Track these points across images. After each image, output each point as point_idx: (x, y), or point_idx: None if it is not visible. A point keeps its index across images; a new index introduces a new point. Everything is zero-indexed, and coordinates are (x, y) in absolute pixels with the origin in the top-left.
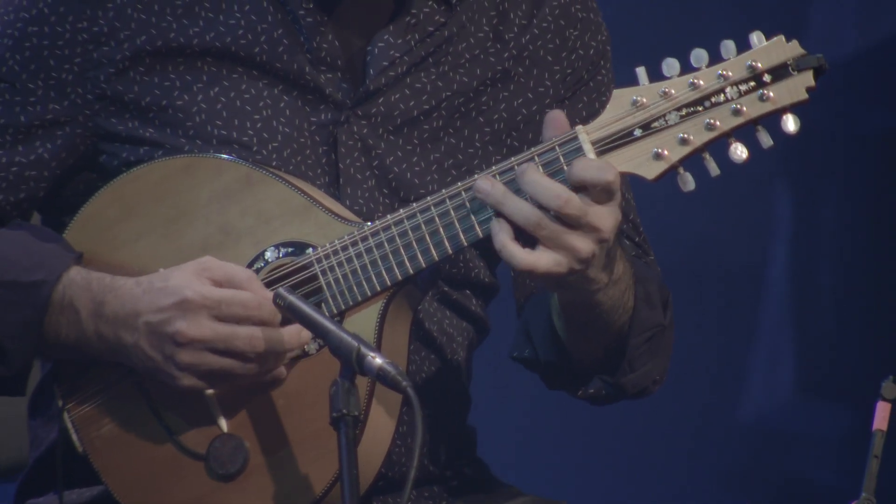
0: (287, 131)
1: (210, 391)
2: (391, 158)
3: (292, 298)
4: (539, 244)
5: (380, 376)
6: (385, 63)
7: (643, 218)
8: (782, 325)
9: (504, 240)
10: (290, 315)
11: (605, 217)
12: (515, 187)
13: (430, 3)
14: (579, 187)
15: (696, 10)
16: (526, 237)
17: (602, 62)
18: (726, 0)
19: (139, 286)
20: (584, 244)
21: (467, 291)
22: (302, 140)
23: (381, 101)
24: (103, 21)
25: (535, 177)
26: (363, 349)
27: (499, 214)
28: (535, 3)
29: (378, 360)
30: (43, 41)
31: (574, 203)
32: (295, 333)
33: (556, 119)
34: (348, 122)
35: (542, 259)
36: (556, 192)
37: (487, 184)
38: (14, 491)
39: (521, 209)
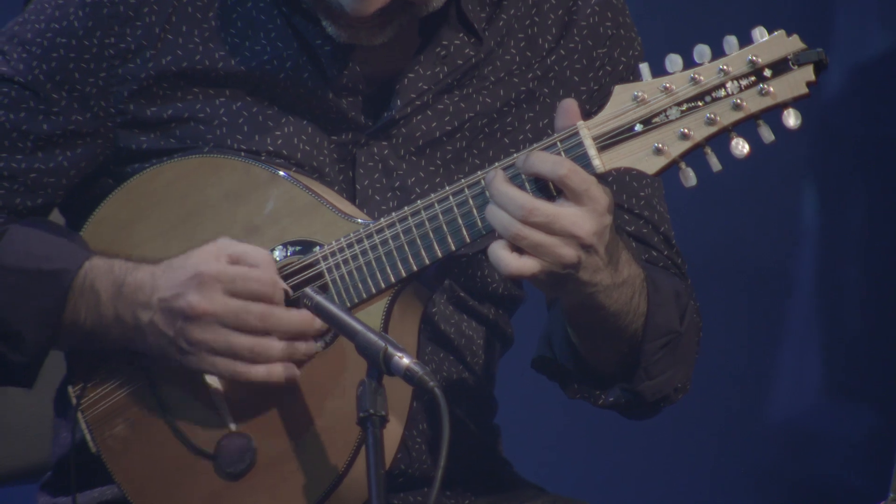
0: (307, 149)
1: (217, 384)
2: (413, 179)
3: (319, 298)
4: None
5: (407, 376)
6: (413, 95)
7: (673, 216)
8: (809, 326)
9: (494, 247)
10: (316, 315)
11: (581, 222)
12: None
13: (460, 35)
14: (558, 190)
15: (716, 11)
16: None
17: (632, 77)
18: (751, 2)
19: (159, 266)
20: (565, 251)
21: (487, 303)
22: (321, 158)
23: (402, 122)
24: (131, 38)
25: (499, 187)
26: (390, 349)
27: None
28: (565, 26)
29: (405, 360)
30: (70, 53)
31: (539, 212)
32: (308, 317)
33: (568, 108)
34: (368, 143)
35: (526, 264)
36: (519, 202)
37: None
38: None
39: (500, 220)
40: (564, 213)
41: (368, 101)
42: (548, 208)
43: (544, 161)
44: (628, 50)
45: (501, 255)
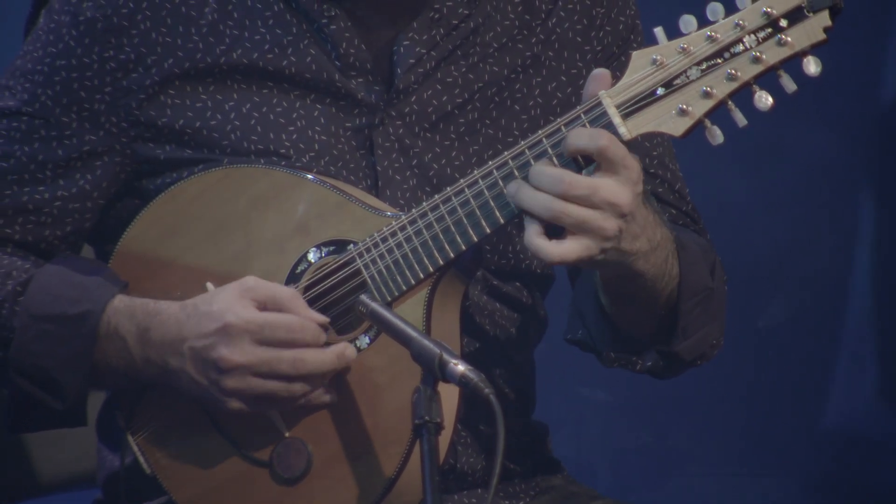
0: (324, 139)
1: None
2: (429, 155)
3: (374, 305)
4: (566, 232)
5: (462, 383)
6: (412, 61)
7: (730, 222)
8: (866, 330)
9: (531, 236)
10: (371, 321)
11: (619, 191)
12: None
13: None
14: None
15: None
16: (554, 227)
17: (632, 36)
18: None
19: (184, 311)
20: (606, 222)
21: (517, 283)
22: (339, 146)
23: (413, 99)
24: (129, 48)
25: (538, 169)
26: (445, 356)
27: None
28: None
29: (460, 367)
30: (72, 74)
31: (579, 184)
32: (339, 353)
33: (601, 76)
34: (383, 123)
35: (570, 248)
36: (558, 177)
37: (513, 186)
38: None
39: (539, 201)
40: (602, 183)
41: (376, 79)
42: (586, 180)
43: (580, 136)
44: (625, 9)
45: (540, 244)
